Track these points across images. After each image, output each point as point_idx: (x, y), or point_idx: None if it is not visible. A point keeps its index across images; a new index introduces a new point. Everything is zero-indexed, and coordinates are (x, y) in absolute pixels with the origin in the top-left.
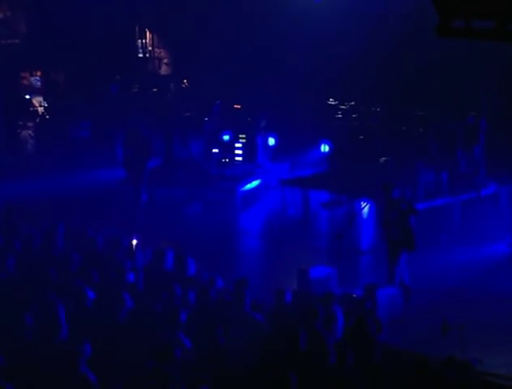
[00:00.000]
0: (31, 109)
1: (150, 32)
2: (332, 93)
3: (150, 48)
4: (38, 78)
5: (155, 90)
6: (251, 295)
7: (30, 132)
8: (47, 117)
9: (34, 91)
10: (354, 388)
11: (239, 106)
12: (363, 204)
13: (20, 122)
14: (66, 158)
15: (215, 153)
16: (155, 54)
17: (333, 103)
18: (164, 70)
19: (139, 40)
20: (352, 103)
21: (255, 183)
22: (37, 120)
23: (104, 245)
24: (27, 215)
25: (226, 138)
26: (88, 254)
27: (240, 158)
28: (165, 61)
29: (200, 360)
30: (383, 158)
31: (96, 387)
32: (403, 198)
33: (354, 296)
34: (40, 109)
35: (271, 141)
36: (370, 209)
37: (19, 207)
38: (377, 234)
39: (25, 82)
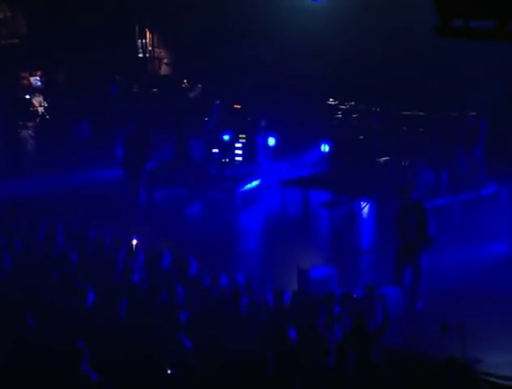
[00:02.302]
0: (31, 109)
1: (150, 32)
2: (332, 93)
3: (150, 48)
4: (38, 78)
5: (155, 90)
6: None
7: (30, 132)
8: (47, 117)
9: (34, 91)
10: (354, 388)
11: (239, 106)
12: (363, 204)
13: (20, 122)
14: (66, 158)
15: (215, 153)
16: (155, 54)
17: (333, 103)
18: (164, 70)
19: (139, 40)
20: (352, 103)
21: (255, 183)
22: (37, 120)
23: (104, 246)
24: (28, 215)
25: (226, 138)
26: (88, 254)
27: (240, 158)
28: (165, 61)
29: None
30: (383, 158)
31: (98, 387)
32: (419, 199)
33: (354, 296)
34: (40, 109)
35: (271, 141)
36: (370, 209)
37: (21, 207)
38: (377, 234)
39: (25, 82)
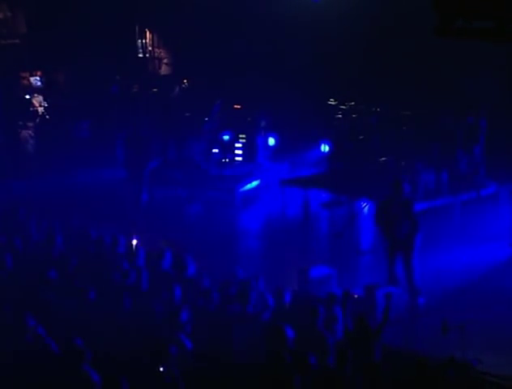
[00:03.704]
0: (31, 109)
1: (150, 32)
2: (332, 93)
3: (150, 48)
4: (38, 78)
5: (155, 90)
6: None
7: (30, 132)
8: (47, 117)
9: (34, 91)
10: (354, 388)
11: (239, 106)
12: (363, 204)
13: (20, 122)
14: (66, 158)
15: (215, 153)
16: (155, 54)
17: (333, 103)
18: (164, 70)
19: (139, 40)
20: (352, 103)
21: (255, 183)
22: (37, 120)
23: (104, 245)
24: (28, 215)
25: (226, 138)
26: (89, 254)
27: (240, 158)
28: (165, 61)
29: (202, 360)
30: (383, 158)
31: (99, 387)
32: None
33: (355, 296)
34: (40, 109)
35: (271, 141)
36: (370, 209)
37: (21, 207)
38: (377, 234)
39: (25, 82)
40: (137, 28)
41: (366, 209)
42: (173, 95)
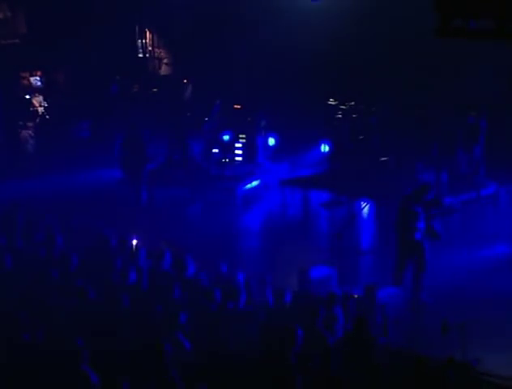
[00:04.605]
0: (31, 109)
1: (150, 32)
2: (332, 93)
3: (150, 48)
4: (38, 78)
5: (155, 90)
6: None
7: (30, 132)
8: (47, 117)
9: (34, 91)
10: (354, 388)
11: (239, 106)
12: (363, 204)
13: (20, 122)
14: (66, 158)
15: (215, 153)
16: (155, 54)
17: (333, 103)
18: (164, 70)
19: (139, 40)
20: (352, 103)
21: (255, 183)
22: (37, 120)
23: (104, 245)
24: (28, 215)
25: (226, 138)
26: (89, 254)
27: (240, 158)
28: (165, 61)
29: (200, 360)
30: (383, 158)
31: (98, 387)
32: (437, 198)
33: (355, 296)
34: (40, 109)
35: (271, 141)
36: (370, 209)
37: (21, 207)
38: (377, 234)
39: (25, 82)
40: (137, 28)
41: (366, 209)
42: (185, 96)
